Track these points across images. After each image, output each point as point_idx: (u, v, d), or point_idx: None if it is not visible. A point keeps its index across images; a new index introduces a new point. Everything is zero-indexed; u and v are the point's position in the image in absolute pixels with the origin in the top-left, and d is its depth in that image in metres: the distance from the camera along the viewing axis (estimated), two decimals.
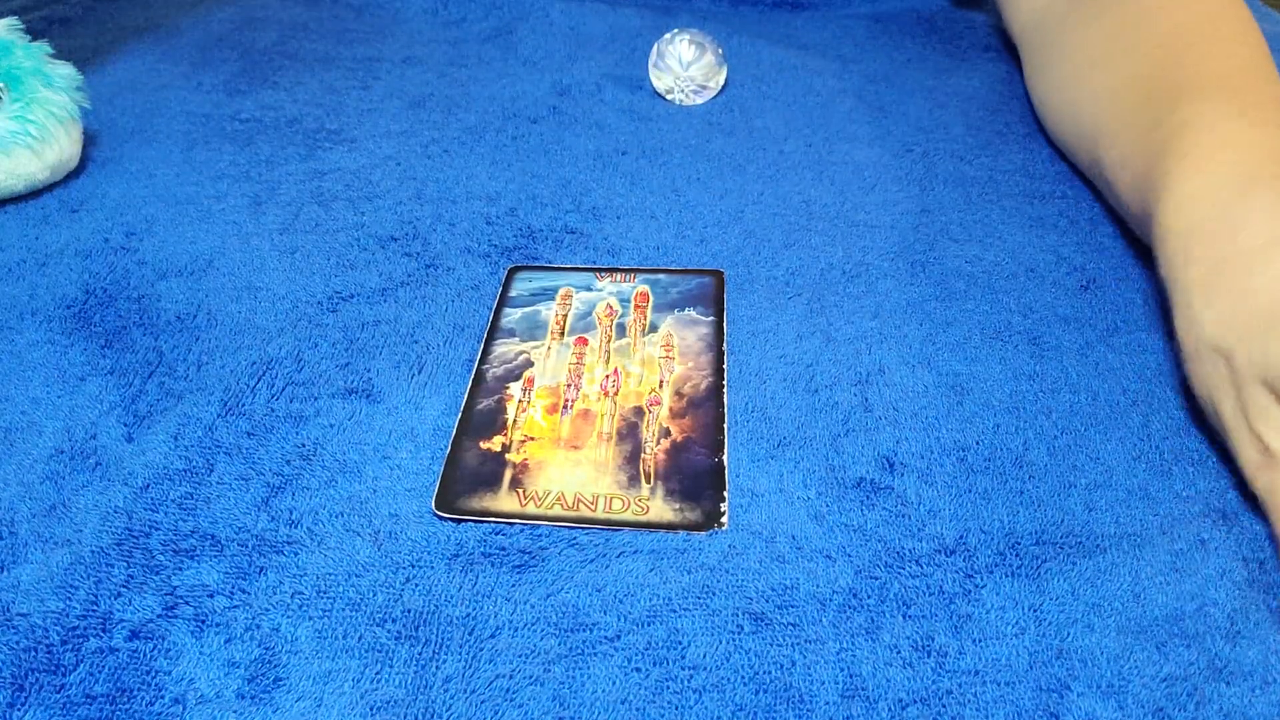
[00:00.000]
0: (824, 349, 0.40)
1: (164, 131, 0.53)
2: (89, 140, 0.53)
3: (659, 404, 0.37)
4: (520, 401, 0.37)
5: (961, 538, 0.33)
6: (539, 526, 0.33)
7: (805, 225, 0.48)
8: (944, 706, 0.28)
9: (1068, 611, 0.31)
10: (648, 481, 0.34)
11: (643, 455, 0.35)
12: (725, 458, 0.35)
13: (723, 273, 0.44)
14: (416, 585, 0.31)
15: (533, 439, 0.36)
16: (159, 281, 0.43)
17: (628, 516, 0.33)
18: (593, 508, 0.33)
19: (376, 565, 0.32)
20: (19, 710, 0.28)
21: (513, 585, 0.31)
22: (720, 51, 0.59)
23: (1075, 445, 0.36)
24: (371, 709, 0.28)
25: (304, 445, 0.36)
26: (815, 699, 0.28)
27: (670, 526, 0.33)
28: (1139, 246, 0.47)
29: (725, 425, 0.37)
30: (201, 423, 0.37)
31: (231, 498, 0.34)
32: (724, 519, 0.33)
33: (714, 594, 0.31)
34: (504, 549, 0.32)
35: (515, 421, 0.36)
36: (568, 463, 0.35)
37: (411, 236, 0.46)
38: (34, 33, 0.59)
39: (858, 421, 0.37)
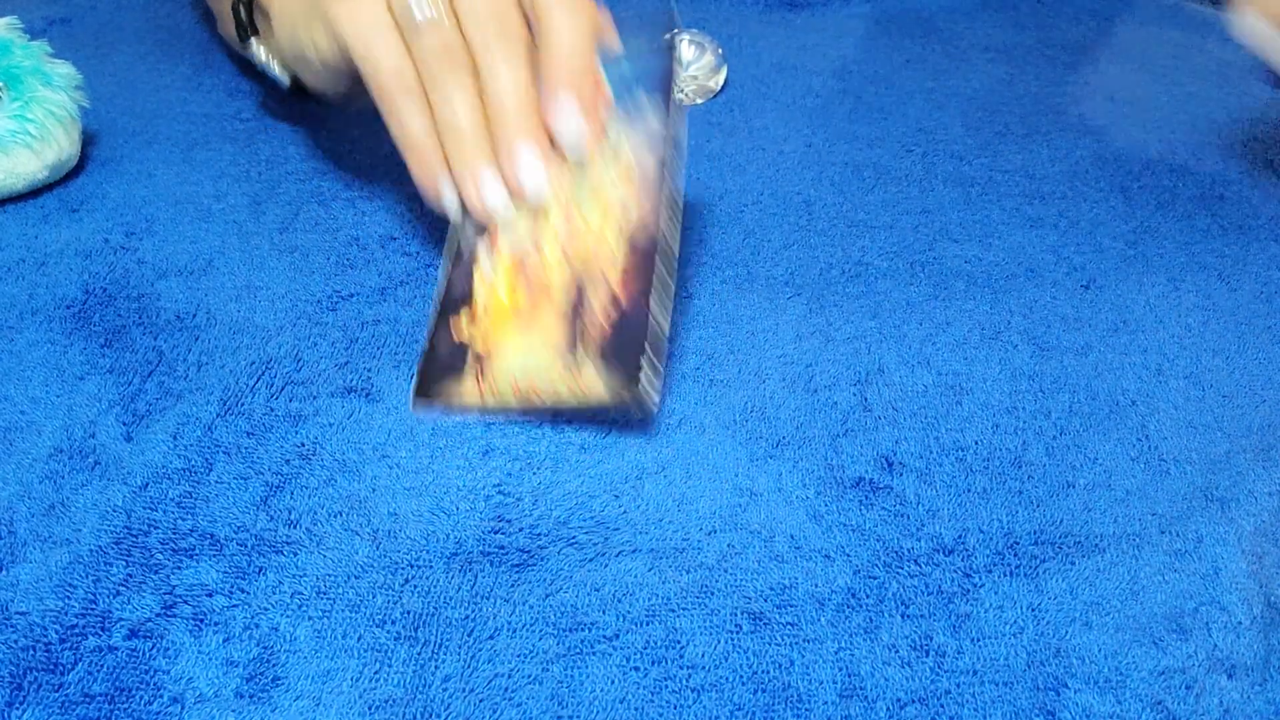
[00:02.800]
0: (823, 349, 0.40)
1: (164, 131, 0.53)
2: (89, 140, 0.53)
3: (612, 264, 0.34)
4: (485, 271, 0.35)
5: (960, 537, 0.33)
6: (538, 525, 0.33)
7: (805, 225, 0.48)
8: (942, 706, 0.28)
9: (1066, 611, 0.31)
10: (589, 357, 0.32)
11: (586, 328, 0.33)
12: (653, 307, 0.31)
13: (673, 12, 0.40)
14: (415, 585, 0.31)
15: (492, 317, 0.34)
16: (159, 281, 0.43)
17: (569, 400, 0.31)
18: (541, 397, 0.32)
19: (375, 565, 0.32)
20: (17, 709, 0.28)
21: (511, 585, 0.31)
22: (720, 51, 0.59)
23: (1074, 445, 0.36)
24: (370, 708, 0.28)
25: (303, 445, 0.36)
26: (814, 698, 0.28)
27: (600, 405, 0.31)
28: (1139, 247, 0.47)
29: (660, 269, 0.32)
30: (201, 422, 0.37)
31: (230, 497, 0.34)
32: (644, 387, 0.30)
33: (712, 593, 0.31)
34: (503, 548, 0.32)
35: (479, 298, 0.34)
36: (523, 346, 0.33)
37: (411, 235, 0.46)
38: (34, 32, 0.59)
39: (857, 421, 0.37)
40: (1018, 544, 0.33)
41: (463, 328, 0.35)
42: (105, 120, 0.54)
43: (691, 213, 0.49)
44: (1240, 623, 0.30)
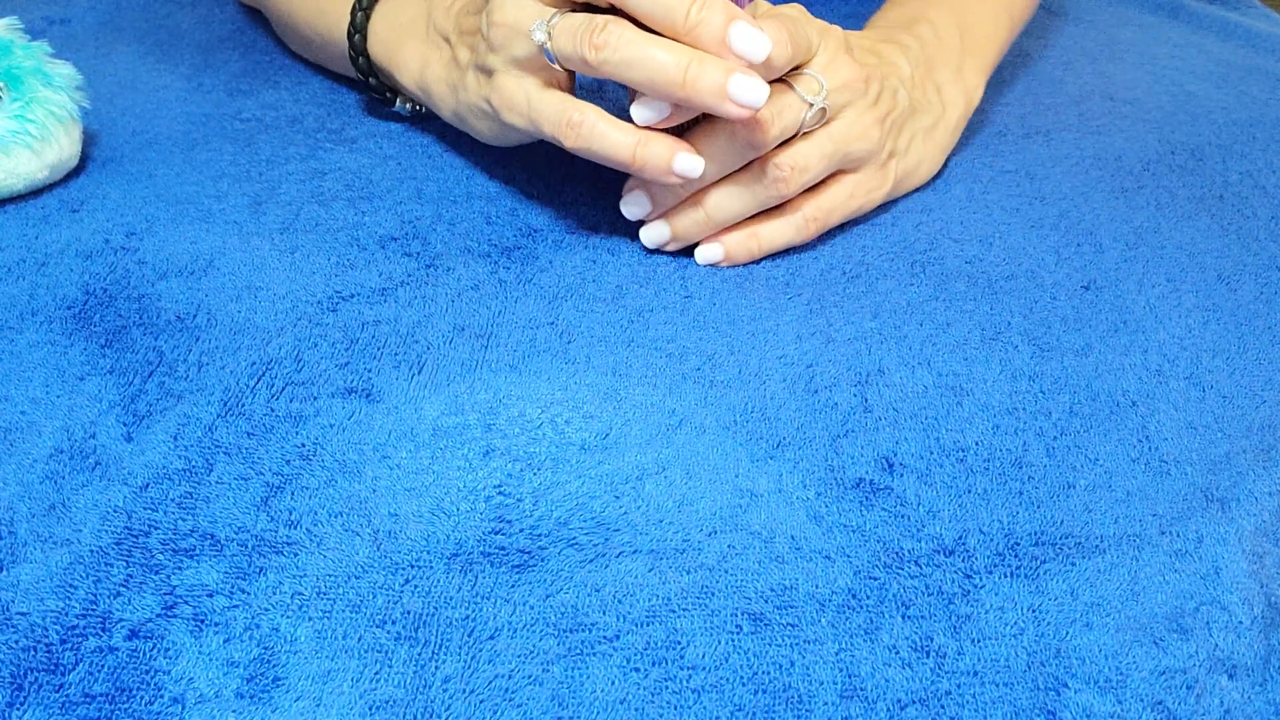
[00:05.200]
0: (823, 349, 0.40)
1: (164, 131, 0.53)
2: (89, 140, 0.53)
3: None
4: None
5: (960, 538, 0.33)
6: (539, 526, 0.33)
7: None
8: (942, 707, 0.28)
9: (1066, 611, 0.31)
10: None
11: None
12: None
13: None
14: (415, 585, 0.31)
15: None
16: (159, 281, 0.43)
17: None
18: None
19: (375, 565, 0.32)
20: (18, 709, 0.28)
21: (512, 585, 0.31)
22: None
23: (1074, 446, 0.36)
24: (370, 709, 0.28)
25: (304, 445, 0.36)
26: (814, 699, 0.28)
27: None
28: (1139, 247, 0.47)
29: None
30: (201, 422, 0.37)
31: (231, 497, 0.34)
32: None
33: (713, 594, 0.31)
34: (503, 549, 0.32)
35: None
36: None
37: (411, 236, 0.46)
38: (34, 32, 0.59)
39: (857, 422, 0.37)
40: (1018, 545, 0.33)
41: None
42: (105, 120, 0.54)
43: None
44: (1241, 623, 0.30)
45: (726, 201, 0.43)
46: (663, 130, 0.41)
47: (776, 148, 0.43)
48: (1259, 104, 0.58)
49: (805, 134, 0.43)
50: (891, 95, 0.46)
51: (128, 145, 0.52)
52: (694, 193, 0.44)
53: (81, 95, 0.49)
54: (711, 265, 0.45)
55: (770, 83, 0.40)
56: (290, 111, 0.56)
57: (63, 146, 0.48)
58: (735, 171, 0.43)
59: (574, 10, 0.40)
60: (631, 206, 0.45)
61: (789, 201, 0.45)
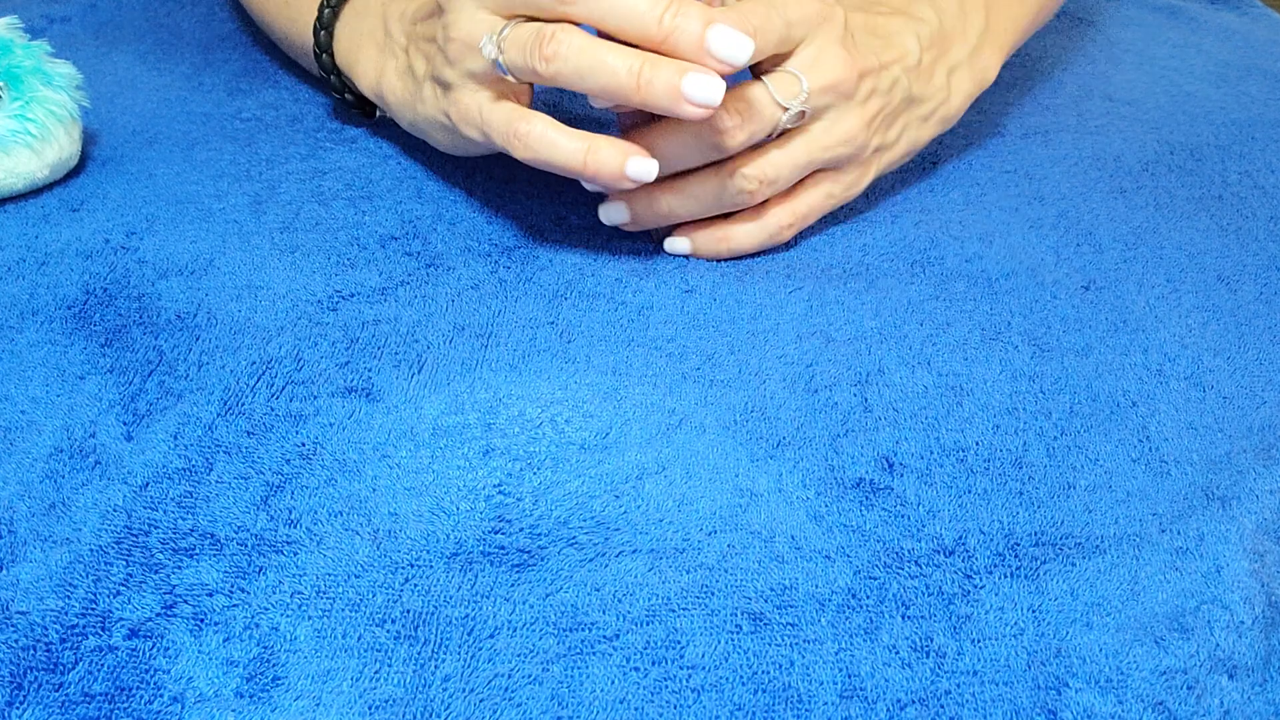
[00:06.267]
0: (824, 349, 0.40)
1: (165, 131, 0.53)
2: (89, 139, 0.53)
3: None
4: None
5: (960, 538, 0.33)
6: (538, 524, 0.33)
7: None
8: (942, 707, 0.28)
9: (1067, 611, 0.31)
10: None
11: None
12: None
13: None
14: (415, 585, 0.31)
15: None
16: (159, 281, 0.43)
17: None
18: None
19: (375, 565, 0.32)
20: (18, 709, 0.28)
21: (511, 585, 0.31)
22: None
23: (1075, 446, 0.36)
24: (370, 708, 0.28)
25: (304, 445, 0.36)
26: (814, 699, 0.28)
27: None
28: (1139, 247, 0.47)
29: None
30: (201, 422, 0.37)
31: (231, 497, 0.34)
32: None
33: (713, 594, 0.31)
34: (503, 548, 0.32)
35: None
36: None
37: (412, 235, 0.46)
38: (34, 31, 0.59)
39: (857, 422, 0.37)
40: (1018, 545, 0.33)
41: None
42: (106, 120, 0.54)
43: None
44: (1242, 622, 0.30)
45: (686, 202, 0.42)
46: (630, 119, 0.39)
47: (746, 151, 0.41)
48: (1258, 104, 0.59)
49: (780, 136, 0.41)
50: (886, 91, 0.43)
51: (128, 145, 0.52)
52: (654, 188, 0.42)
53: (81, 94, 0.49)
54: (681, 254, 0.44)
55: (743, 80, 0.38)
56: (290, 111, 0.56)
57: (63, 146, 0.48)
58: (701, 168, 0.41)
59: (527, 20, 0.38)
60: (611, 213, 0.44)
61: (762, 203, 0.43)
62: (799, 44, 0.40)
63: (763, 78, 0.40)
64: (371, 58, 0.48)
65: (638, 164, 0.38)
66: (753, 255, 0.45)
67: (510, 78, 0.39)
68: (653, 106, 0.37)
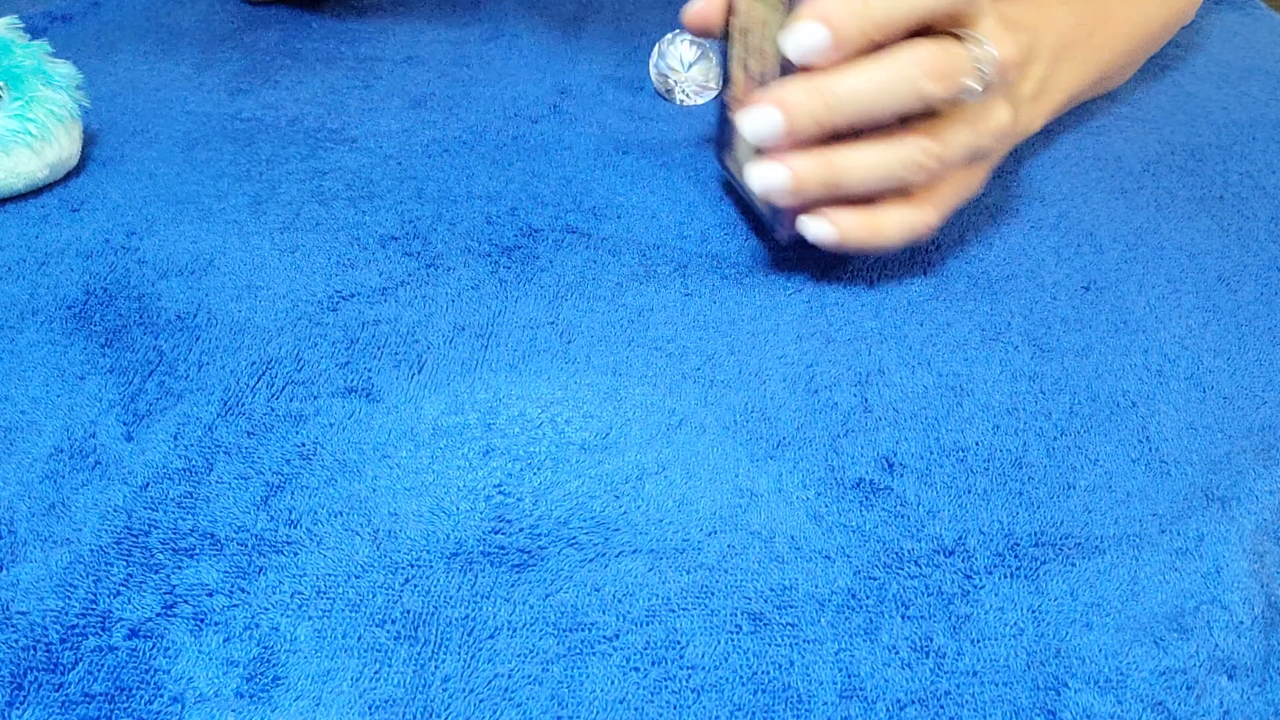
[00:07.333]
0: (823, 349, 0.40)
1: (165, 131, 0.53)
2: (89, 139, 0.53)
3: None
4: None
5: (960, 539, 0.33)
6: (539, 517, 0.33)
7: None
8: (942, 707, 0.28)
9: (1066, 612, 0.31)
10: None
11: None
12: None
13: None
14: (415, 585, 0.31)
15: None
16: (159, 281, 0.43)
17: None
18: None
19: (375, 565, 0.32)
20: (18, 709, 0.28)
21: (511, 585, 0.31)
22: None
23: (1075, 447, 0.36)
24: (370, 708, 0.28)
25: (304, 445, 0.36)
26: (813, 699, 0.28)
27: None
28: (1139, 248, 0.47)
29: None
30: (201, 422, 0.37)
31: (231, 497, 0.34)
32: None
33: (712, 594, 0.31)
34: (503, 548, 0.32)
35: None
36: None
37: (412, 236, 0.46)
38: (34, 31, 0.59)
39: (857, 422, 0.37)
40: (1018, 545, 0.33)
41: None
42: (106, 120, 0.54)
43: (692, 213, 0.49)
44: (1242, 622, 0.30)
45: (858, 167, 0.37)
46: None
47: (924, 125, 0.37)
48: (1259, 105, 0.58)
49: (950, 116, 0.37)
50: (1017, 82, 0.39)
51: (128, 145, 0.52)
52: (825, 147, 0.38)
53: (82, 94, 0.49)
54: (820, 244, 0.40)
55: (935, 36, 0.35)
56: (290, 111, 0.55)
57: (63, 146, 0.48)
58: (879, 134, 0.37)
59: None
60: (768, 176, 0.38)
61: (916, 193, 0.39)
62: (974, 20, 0.37)
63: (959, 33, 0.37)
64: None
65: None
66: (745, 253, 0.45)
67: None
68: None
